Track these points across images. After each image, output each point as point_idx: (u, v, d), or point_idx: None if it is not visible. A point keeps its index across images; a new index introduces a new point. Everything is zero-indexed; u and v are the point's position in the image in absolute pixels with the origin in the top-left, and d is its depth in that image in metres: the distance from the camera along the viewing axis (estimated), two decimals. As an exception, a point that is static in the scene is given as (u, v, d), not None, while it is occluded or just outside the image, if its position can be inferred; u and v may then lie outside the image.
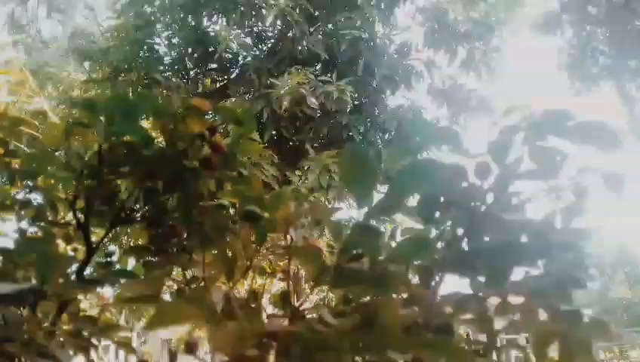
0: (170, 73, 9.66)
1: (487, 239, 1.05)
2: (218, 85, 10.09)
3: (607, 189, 1.03)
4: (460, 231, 1.06)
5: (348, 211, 9.36)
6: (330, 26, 8.86)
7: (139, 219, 1.17)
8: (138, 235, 1.28)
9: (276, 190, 1.04)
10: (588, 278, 0.90)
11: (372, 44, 9.06)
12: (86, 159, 1.10)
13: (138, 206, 1.18)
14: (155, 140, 1.06)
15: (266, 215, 1.13)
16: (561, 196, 1.08)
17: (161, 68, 9.50)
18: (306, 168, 8.24)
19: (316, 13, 8.80)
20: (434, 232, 1.11)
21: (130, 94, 9.38)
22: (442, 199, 1.06)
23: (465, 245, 1.06)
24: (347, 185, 0.67)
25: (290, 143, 9.39)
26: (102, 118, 0.97)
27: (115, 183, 1.14)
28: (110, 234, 1.29)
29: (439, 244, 1.08)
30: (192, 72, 9.87)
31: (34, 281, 0.86)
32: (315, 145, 9.12)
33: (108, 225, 1.16)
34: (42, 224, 1.30)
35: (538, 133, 1.03)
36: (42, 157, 1.24)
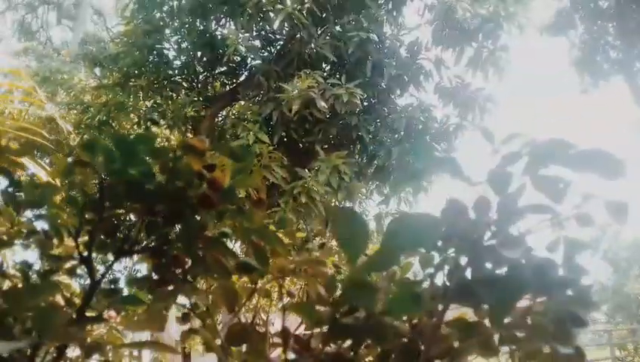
0: (180, 77, 9.71)
1: (490, 266, 1.04)
2: (228, 88, 10.13)
3: (611, 218, 1.02)
4: (463, 261, 1.05)
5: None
6: (337, 28, 8.85)
7: (142, 249, 1.18)
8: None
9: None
10: (590, 315, 0.89)
11: (380, 44, 9.04)
12: (87, 193, 1.11)
13: (141, 237, 1.18)
14: (157, 174, 1.07)
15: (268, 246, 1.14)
16: (564, 226, 1.07)
17: (171, 72, 9.55)
18: (316, 168, 8.24)
19: (323, 16, 8.78)
20: (437, 258, 1.11)
21: (141, 98, 9.41)
22: (444, 229, 1.05)
23: (468, 274, 1.05)
24: (340, 245, 0.67)
25: (300, 145, 9.40)
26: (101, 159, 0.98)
27: (117, 216, 1.14)
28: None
29: (443, 272, 1.08)
30: (201, 76, 9.92)
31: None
32: (325, 146, 9.12)
33: (112, 256, 1.17)
34: (49, 254, 1.30)
35: (540, 162, 1.02)
36: (45, 188, 1.25)
